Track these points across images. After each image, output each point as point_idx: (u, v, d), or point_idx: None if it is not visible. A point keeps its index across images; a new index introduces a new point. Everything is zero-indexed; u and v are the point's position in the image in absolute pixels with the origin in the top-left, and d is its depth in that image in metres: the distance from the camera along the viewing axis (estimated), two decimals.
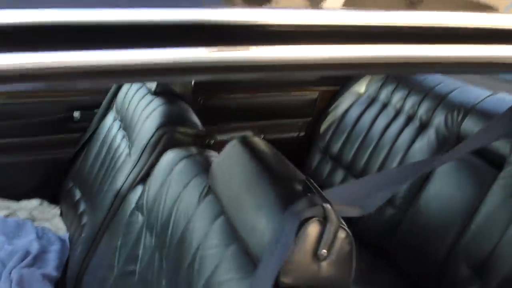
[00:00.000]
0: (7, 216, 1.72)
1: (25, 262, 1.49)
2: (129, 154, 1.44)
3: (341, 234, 0.74)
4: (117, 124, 1.65)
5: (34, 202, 1.85)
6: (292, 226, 0.70)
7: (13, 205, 1.82)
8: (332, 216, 0.71)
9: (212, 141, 1.38)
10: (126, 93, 1.68)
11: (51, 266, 1.53)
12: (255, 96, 2.14)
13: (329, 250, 0.73)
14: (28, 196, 1.86)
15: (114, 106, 1.75)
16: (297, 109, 2.22)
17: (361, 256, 1.63)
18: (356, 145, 1.98)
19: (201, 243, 0.93)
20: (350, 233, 0.74)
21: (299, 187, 0.80)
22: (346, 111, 2.10)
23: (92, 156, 1.71)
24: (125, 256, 1.17)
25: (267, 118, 2.18)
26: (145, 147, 1.35)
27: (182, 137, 1.35)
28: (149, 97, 1.55)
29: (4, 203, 1.81)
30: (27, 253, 1.53)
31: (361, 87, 2.11)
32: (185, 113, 1.47)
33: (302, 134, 2.24)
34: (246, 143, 0.96)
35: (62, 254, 1.59)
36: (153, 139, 1.35)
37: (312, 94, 2.21)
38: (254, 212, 0.83)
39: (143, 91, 1.60)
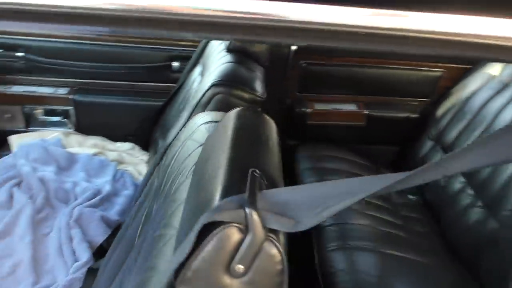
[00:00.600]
0: (95, 154, 1.80)
1: (91, 201, 1.54)
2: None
3: (268, 250, 0.57)
4: (199, 79, 1.60)
5: (126, 146, 1.92)
6: (197, 226, 0.56)
7: (108, 145, 1.90)
8: (256, 225, 0.55)
9: (260, 109, 1.24)
10: (212, 48, 1.61)
11: (115, 210, 1.55)
12: (365, 66, 1.91)
13: (247, 267, 0.57)
14: (125, 139, 1.94)
15: (201, 60, 1.69)
16: (414, 86, 1.93)
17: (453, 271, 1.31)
18: (475, 137, 1.65)
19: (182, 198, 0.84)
20: (282, 251, 0.57)
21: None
22: (472, 95, 1.76)
23: (174, 108, 1.69)
24: None
25: (375, 93, 1.94)
26: (196, 105, 1.27)
27: (235, 100, 1.24)
28: (223, 53, 1.45)
29: (101, 142, 1.90)
30: (97, 193, 1.59)
31: (495, 69, 1.74)
32: (248, 75, 1.35)
33: (414, 116, 1.95)
34: (242, 116, 0.82)
35: (131, 200, 1.61)
36: (204, 98, 1.26)
37: (434, 72, 1.90)
38: (196, 188, 0.71)
39: (222, 46, 1.51)
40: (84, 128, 1.94)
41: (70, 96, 1.91)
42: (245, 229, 0.56)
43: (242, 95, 1.26)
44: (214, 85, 1.26)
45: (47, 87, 1.95)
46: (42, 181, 1.57)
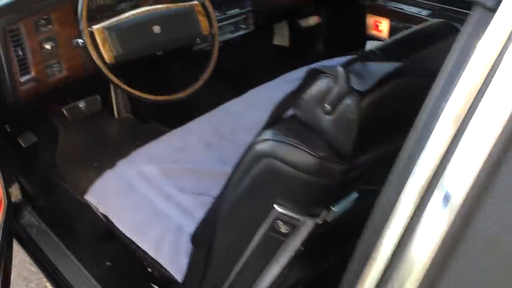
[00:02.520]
0: None
1: None
2: None
3: (348, 101, 0.86)
4: None
5: None
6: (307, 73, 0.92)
7: None
8: (342, 80, 0.85)
9: None
10: None
11: None
12: None
13: (333, 108, 0.87)
14: None
15: None
16: None
17: None
18: None
19: None
20: (361, 106, 0.85)
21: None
22: None
23: None
24: None
25: None
26: None
27: None
28: None
29: None
30: None
31: None
32: None
33: None
34: None
35: None
36: None
37: None
38: None
39: None
40: None
41: None
42: (336, 81, 0.87)
43: None
44: None
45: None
46: None
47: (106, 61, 1.75)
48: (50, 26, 1.85)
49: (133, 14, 1.82)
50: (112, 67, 1.77)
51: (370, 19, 2.80)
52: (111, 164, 1.80)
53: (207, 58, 1.99)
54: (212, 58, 1.95)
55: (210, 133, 1.91)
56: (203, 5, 1.94)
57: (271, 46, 3.19)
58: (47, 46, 1.85)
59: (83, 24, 1.72)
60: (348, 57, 0.93)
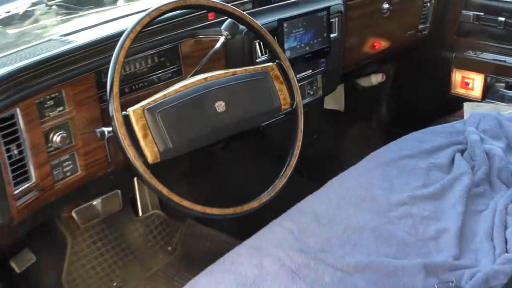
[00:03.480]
0: None
1: None
2: None
3: None
4: None
5: None
6: None
7: None
8: None
9: None
10: None
11: None
12: None
13: None
14: None
15: None
16: None
17: None
18: None
19: None
20: None
21: None
22: None
23: None
24: None
25: None
26: None
27: None
28: None
29: None
30: None
31: None
32: None
33: None
34: None
35: None
36: None
37: None
38: None
39: None
40: None
41: None
42: None
43: None
44: None
45: None
46: (487, 154, 1.53)
47: (149, 160, 1.13)
48: (61, 108, 1.24)
49: (185, 86, 1.22)
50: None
51: (456, 75, 2.24)
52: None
53: (279, 139, 1.39)
54: (296, 144, 1.34)
55: (292, 249, 1.27)
56: (281, 68, 1.35)
57: (322, 112, 2.60)
58: (56, 138, 1.24)
59: (114, 105, 1.10)
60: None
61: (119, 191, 1.78)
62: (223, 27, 1.38)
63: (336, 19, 1.73)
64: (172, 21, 1.45)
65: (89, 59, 1.28)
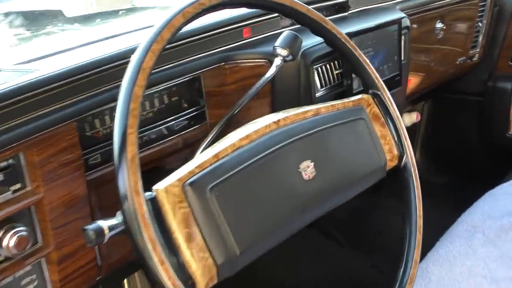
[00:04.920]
0: None
1: None
2: None
3: None
4: None
5: None
6: None
7: None
8: None
9: None
10: None
11: None
12: None
13: None
14: None
15: None
16: None
17: None
18: None
19: None
20: None
21: None
22: None
23: None
24: None
25: None
26: None
27: None
28: None
29: None
30: None
31: None
32: None
33: None
34: None
35: None
36: None
37: None
38: None
39: None
40: None
41: None
42: None
43: None
44: None
45: None
46: None
47: (199, 286, 0.58)
48: (18, 187, 0.68)
49: (247, 138, 0.68)
50: None
51: None
52: None
53: None
54: (413, 237, 0.81)
55: None
56: (380, 102, 0.85)
57: None
58: (9, 241, 0.68)
59: (129, 178, 0.55)
60: None
61: None
62: (278, 42, 0.88)
63: (404, 37, 1.26)
64: (192, 39, 0.93)
65: (67, 98, 0.73)
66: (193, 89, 0.97)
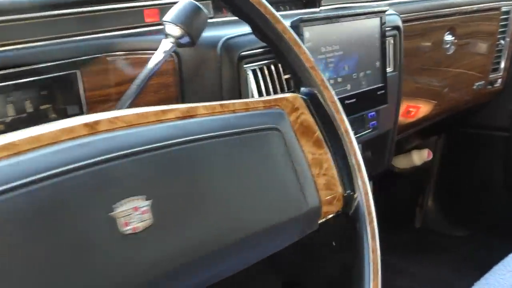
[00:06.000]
0: None
1: None
2: None
3: None
4: None
5: None
6: None
7: None
8: None
9: None
10: None
11: None
12: None
13: None
14: None
15: None
16: None
17: None
18: None
19: None
20: None
21: None
22: None
23: None
24: None
25: None
26: None
27: None
28: None
29: None
30: None
31: None
32: None
33: None
34: None
35: None
36: None
37: None
38: None
39: None
40: None
41: None
42: None
43: None
44: None
45: None
46: None
47: None
48: None
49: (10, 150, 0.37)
50: None
51: None
52: None
53: None
54: None
55: None
56: (316, 105, 0.53)
57: None
58: None
59: None
60: None
61: None
62: (168, 16, 0.58)
63: (392, 40, 0.94)
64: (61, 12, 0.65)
65: None
66: (67, 92, 0.67)
